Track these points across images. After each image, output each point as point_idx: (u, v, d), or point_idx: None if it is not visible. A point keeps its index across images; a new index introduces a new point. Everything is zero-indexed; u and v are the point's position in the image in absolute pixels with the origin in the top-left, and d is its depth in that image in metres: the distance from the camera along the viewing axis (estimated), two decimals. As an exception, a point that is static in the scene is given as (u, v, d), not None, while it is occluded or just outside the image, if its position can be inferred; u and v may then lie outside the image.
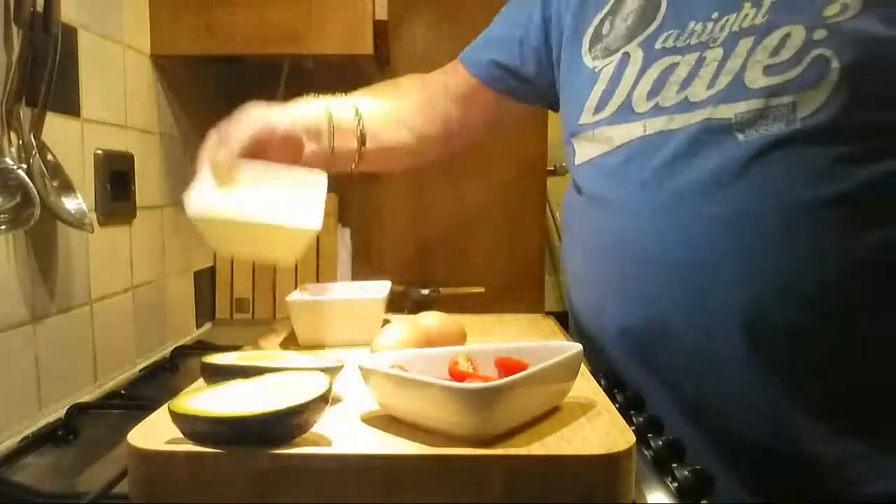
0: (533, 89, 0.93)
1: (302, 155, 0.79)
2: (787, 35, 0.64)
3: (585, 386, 0.58)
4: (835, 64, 0.60)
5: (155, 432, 0.47)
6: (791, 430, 0.64)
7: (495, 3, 1.55)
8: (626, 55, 0.76)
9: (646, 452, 0.56)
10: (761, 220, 0.63)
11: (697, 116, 0.68)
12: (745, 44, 0.67)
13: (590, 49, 0.81)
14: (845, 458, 0.63)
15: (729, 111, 0.66)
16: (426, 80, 0.99)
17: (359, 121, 0.84)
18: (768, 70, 0.64)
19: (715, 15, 0.70)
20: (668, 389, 0.69)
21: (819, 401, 0.63)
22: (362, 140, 0.85)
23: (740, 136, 0.65)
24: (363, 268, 1.48)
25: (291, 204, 0.70)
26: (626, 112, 0.75)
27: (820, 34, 0.62)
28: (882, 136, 0.61)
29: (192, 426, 0.45)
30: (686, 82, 0.70)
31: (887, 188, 0.61)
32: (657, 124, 0.71)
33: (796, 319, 0.62)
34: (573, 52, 0.83)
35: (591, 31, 0.81)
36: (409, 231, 1.54)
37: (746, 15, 0.67)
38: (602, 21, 0.80)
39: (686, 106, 0.69)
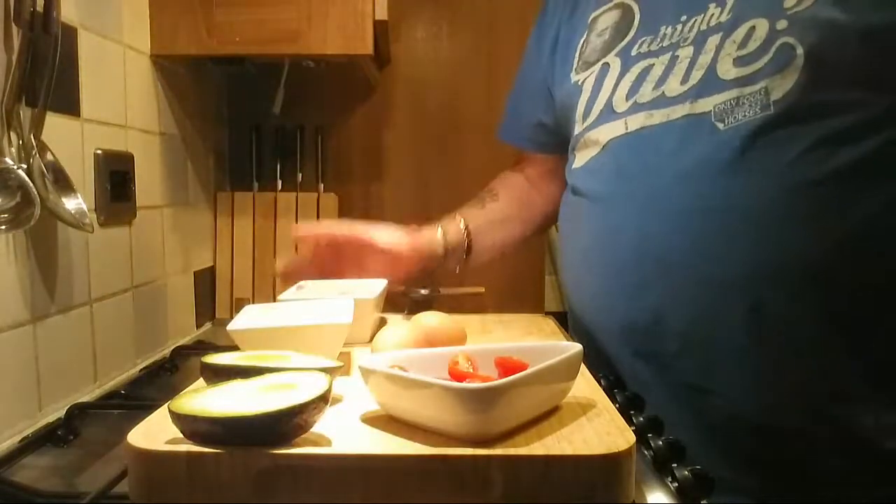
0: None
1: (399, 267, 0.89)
2: (752, 28, 0.68)
3: (585, 386, 0.58)
4: (799, 50, 0.64)
5: (155, 432, 0.47)
6: (791, 411, 0.66)
7: (495, 4, 1.55)
8: (606, 65, 0.81)
9: (646, 452, 0.56)
10: (755, 208, 0.65)
11: (678, 112, 0.71)
12: (713, 40, 0.70)
13: (575, 69, 0.87)
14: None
15: (707, 104, 0.69)
16: (515, 178, 1.07)
17: (467, 234, 0.96)
18: (738, 61, 0.68)
19: (683, 17, 0.75)
20: (672, 384, 0.70)
21: (828, 381, 0.65)
22: (468, 251, 0.96)
23: (720, 126, 0.68)
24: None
25: (326, 306, 0.70)
26: (608, 113, 0.79)
27: (782, 24, 0.66)
28: (857, 112, 0.63)
29: (192, 426, 0.45)
30: (661, 80, 0.74)
31: (874, 163, 0.63)
32: (637, 121, 0.75)
33: (799, 302, 0.64)
34: (563, 77, 0.88)
35: (576, 55, 0.87)
36: (409, 231, 1.54)
37: (712, 14, 0.72)
38: (583, 44, 0.87)
39: (663, 101, 0.73)
